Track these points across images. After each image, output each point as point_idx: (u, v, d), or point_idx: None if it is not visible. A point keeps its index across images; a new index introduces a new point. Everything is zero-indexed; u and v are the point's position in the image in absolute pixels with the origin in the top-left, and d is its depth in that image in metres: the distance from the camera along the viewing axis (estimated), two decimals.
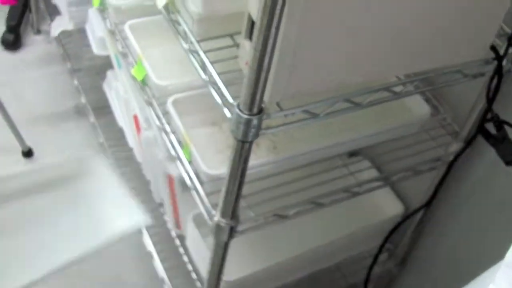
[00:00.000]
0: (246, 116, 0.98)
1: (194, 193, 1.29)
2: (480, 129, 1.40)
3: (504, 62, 1.27)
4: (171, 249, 1.83)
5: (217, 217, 1.19)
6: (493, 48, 1.25)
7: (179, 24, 1.24)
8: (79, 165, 0.81)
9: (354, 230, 1.68)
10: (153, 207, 1.93)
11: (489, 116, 1.37)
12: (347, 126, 1.39)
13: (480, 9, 1.14)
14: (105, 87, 2.17)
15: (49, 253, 0.70)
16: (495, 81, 1.31)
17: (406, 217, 1.69)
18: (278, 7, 0.87)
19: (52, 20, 2.52)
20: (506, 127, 1.34)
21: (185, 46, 1.21)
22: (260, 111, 0.99)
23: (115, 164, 2.23)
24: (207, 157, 1.29)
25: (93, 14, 2.09)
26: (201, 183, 1.28)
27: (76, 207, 0.75)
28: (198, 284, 1.66)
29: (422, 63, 1.20)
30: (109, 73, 2.12)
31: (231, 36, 1.22)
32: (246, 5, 1.05)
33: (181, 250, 1.77)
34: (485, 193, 1.54)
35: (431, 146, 1.50)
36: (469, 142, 1.46)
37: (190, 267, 1.70)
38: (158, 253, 1.93)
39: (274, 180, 1.34)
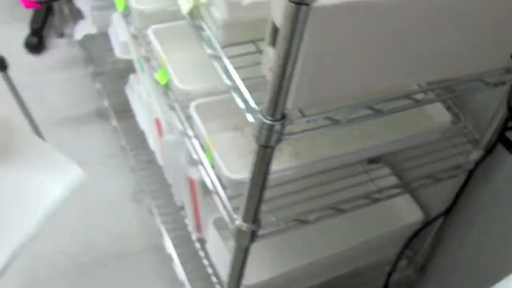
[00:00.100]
0: (269, 122, 0.99)
1: (215, 197, 1.31)
2: (500, 138, 1.41)
3: None
4: (191, 252, 1.84)
5: (238, 221, 1.20)
6: None
7: (202, 29, 1.25)
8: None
9: (374, 237, 1.68)
10: (174, 210, 1.94)
11: (509, 124, 1.37)
12: (368, 132, 1.40)
13: (501, 18, 1.14)
14: (127, 90, 2.19)
15: None
16: None
17: (426, 224, 1.69)
18: (302, 15, 0.88)
19: (75, 23, 2.55)
20: None
21: (209, 51, 1.22)
22: (283, 117, 1.00)
23: (136, 167, 2.25)
24: (229, 161, 1.30)
25: (116, 18, 2.11)
26: (223, 187, 1.29)
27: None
28: (218, 287, 1.67)
29: (443, 72, 1.21)
30: (131, 77, 2.14)
31: (254, 42, 1.23)
32: (269, 12, 1.06)
33: (201, 253, 1.78)
34: (505, 200, 1.54)
35: (452, 153, 1.51)
36: (489, 150, 1.46)
37: (210, 270, 1.71)
38: (178, 256, 1.95)
39: (295, 185, 1.35)
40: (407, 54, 1.11)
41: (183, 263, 1.91)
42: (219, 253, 1.59)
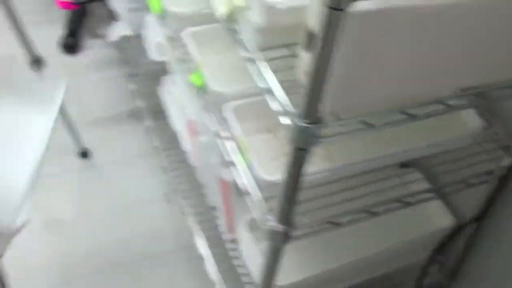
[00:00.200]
0: (305, 125, 1.00)
1: (249, 198, 1.32)
2: None
3: None
4: (223, 252, 1.86)
5: (272, 222, 1.21)
6: None
7: (238, 33, 1.27)
8: None
9: (404, 240, 1.68)
10: (206, 211, 1.96)
11: None
12: (400, 136, 1.41)
13: None
14: (161, 92, 2.21)
15: None
16: None
17: (457, 229, 1.69)
18: (337, 20, 0.89)
19: (110, 25, 2.58)
20: None
21: (244, 55, 1.24)
22: (318, 120, 1.02)
23: (168, 167, 2.28)
24: (262, 163, 1.32)
25: (151, 20, 2.13)
26: (257, 188, 1.30)
27: None
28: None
29: (476, 78, 1.21)
30: (165, 78, 2.17)
31: (288, 46, 1.24)
32: (305, 17, 1.07)
33: (233, 253, 1.79)
34: None
35: (484, 159, 1.51)
36: None
37: (242, 270, 1.72)
38: (210, 256, 1.96)
39: (327, 187, 1.36)
40: (441, 60, 1.12)
41: (214, 264, 1.93)
42: (252, 254, 1.60)
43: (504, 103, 1.47)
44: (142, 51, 2.28)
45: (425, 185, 1.70)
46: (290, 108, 1.07)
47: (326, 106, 1.02)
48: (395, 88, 1.13)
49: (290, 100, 1.08)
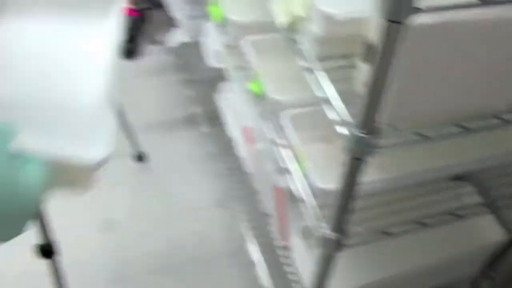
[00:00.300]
0: (362, 135, 1.02)
1: (303, 205, 1.34)
2: None
3: None
4: (274, 258, 1.88)
5: (325, 230, 1.23)
6: None
7: (297, 42, 1.29)
8: None
9: (455, 254, 1.68)
10: (259, 217, 1.98)
11: None
12: (454, 149, 1.41)
13: None
14: (217, 98, 2.24)
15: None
16: None
17: (509, 244, 1.68)
18: (396, 33, 0.90)
19: (170, 31, 2.62)
20: None
21: (303, 64, 1.26)
22: (375, 131, 1.03)
23: (223, 173, 2.30)
24: (317, 171, 1.33)
25: (210, 27, 2.17)
26: (312, 196, 1.32)
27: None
28: None
29: None
30: (222, 85, 2.20)
31: (347, 56, 1.26)
32: (364, 29, 1.09)
33: (285, 260, 1.81)
34: None
35: None
36: None
37: (293, 277, 1.74)
38: (262, 262, 1.98)
39: (379, 197, 1.37)
40: (497, 74, 1.12)
41: (265, 270, 1.95)
42: (304, 261, 1.61)
43: None
44: (200, 57, 2.31)
45: (477, 198, 1.69)
46: (347, 118, 1.08)
47: (383, 117, 1.03)
48: (450, 100, 1.14)
49: (347, 110, 1.10)
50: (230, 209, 2.26)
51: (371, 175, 1.34)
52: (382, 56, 0.94)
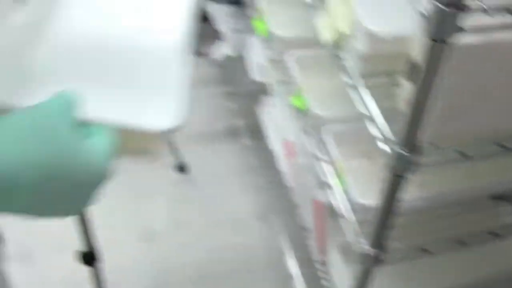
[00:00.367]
0: (404, 153, 1.03)
1: (343, 220, 1.35)
2: None
3: None
4: (312, 272, 1.88)
5: (364, 245, 1.24)
6: None
7: (341, 59, 1.31)
8: None
9: (493, 273, 1.67)
10: (298, 231, 1.99)
11: None
12: (494, 168, 1.41)
13: None
14: (260, 111, 2.26)
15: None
16: None
17: None
18: (440, 52, 0.92)
19: (214, 44, 2.65)
20: None
21: (346, 80, 1.28)
22: (417, 148, 1.04)
23: (264, 186, 2.32)
24: (358, 187, 1.34)
25: (254, 41, 2.19)
26: (352, 212, 1.33)
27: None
28: None
29: None
30: (264, 99, 2.22)
31: (391, 74, 1.27)
32: (408, 47, 1.10)
33: (323, 275, 1.81)
34: None
35: None
36: None
37: None
38: (300, 276, 1.99)
39: (419, 214, 1.38)
40: None
41: (303, 284, 1.95)
42: (342, 276, 1.62)
43: None
44: (243, 71, 2.34)
45: None
46: (389, 135, 1.10)
47: (424, 135, 1.04)
48: (492, 119, 1.14)
49: (390, 127, 1.11)
50: (269, 222, 2.27)
51: (411, 192, 1.35)
52: (426, 75, 0.95)
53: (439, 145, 1.11)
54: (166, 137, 0.76)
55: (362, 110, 1.20)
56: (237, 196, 2.44)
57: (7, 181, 0.54)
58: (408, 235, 1.33)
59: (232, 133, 2.65)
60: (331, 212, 1.51)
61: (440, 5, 0.88)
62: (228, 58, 2.58)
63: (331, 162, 1.43)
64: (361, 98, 1.21)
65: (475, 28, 0.94)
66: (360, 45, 1.24)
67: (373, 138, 1.15)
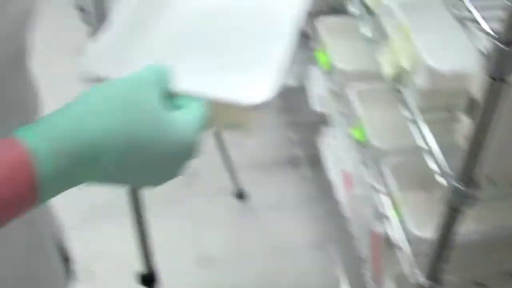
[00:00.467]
0: (460, 187, 1.05)
1: (399, 252, 1.37)
2: None
3: None
4: None
5: (420, 277, 1.25)
6: None
7: (402, 93, 1.34)
8: None
9: None
10: (354, 261, 2.01)
11: None
12: None
13: None
14: (320, 142, 2.29)
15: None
16: None
17: None
18: (499, 90, 0.94)
19: None
20: None
21: (406, 115, 1.30)
22: (474, 183, 1.06)
23: (321, 215, 2.34)
24: (415, 219, 1.36)
25: (316, 73, 2.23)
26: (408, 244, 1.35)
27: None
28: None
29: None
30: (324, 129, 2.25)
31: (450, 109, 1.29)
32: (468, 84, 1.12)
33: None
34: None
35: None
36: None
37: None
38: None
39: (474, 248, 1.39)
40: None
41: None
42: None
43: None
44: (304, 101, 2.37)
45: None
46: (447, 169, 1.12)
47: (482, 170, 1.06)
48: None
49: (448, 161, 1.13)
50: (326, 251, 2.29)
51: (468, 226, 1.36)
52: (484, 112, 0.97)
53: (496, 180, 1.13)
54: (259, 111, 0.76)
55: (421, 143, 1.22)
56: (294, 225, 2.46)
57: (94, 150, 0.57)
58: (464, 268, 1.34)
59: (292, 163, 2.68)
60: (388, 243, 1.53)
61: (499, 44, 0.91)
62: (290, 89, 2.62)
63: (389, 194, 1.45)
64: (420, 132, 1.24)
65: None
66: (420, 80, 1.27)
67: (431, 171, 1.18)
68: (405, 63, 1.30)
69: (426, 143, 1.21)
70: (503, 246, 1.42)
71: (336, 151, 2.03)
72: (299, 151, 2.61)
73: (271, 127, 2.84)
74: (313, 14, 2.04)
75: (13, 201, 0.53)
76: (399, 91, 1.35)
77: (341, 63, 1.75)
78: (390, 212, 1.43)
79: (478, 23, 0.96)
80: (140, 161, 0.60)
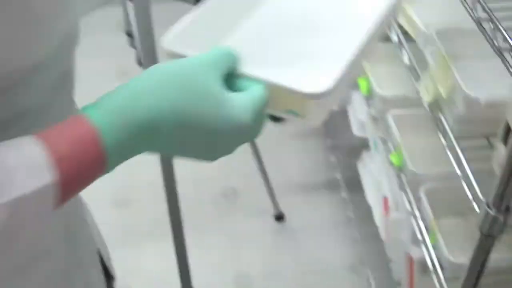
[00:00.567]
0: (493, 213, 1.07)
1: (434, 277, 1.38)
2: None
3: None
4: None
5: None
6: None
7: (440, 120, 1.36)
8: None
9: None
10: (390, 285, 2.02)
11: None
12: None
13: None
14: (359, 166, 2.31)
15: None
16: None
17: None
18: None
19: None
20: None
21: (443, 141, 1.33)
22: (507, 209, 1.08)
23: (359, 238, 2.36)
24: (450, 244, 1.38)
25: (357, 98, 2.25)
26: (442, 268, 1.37)
27: None
28: None
29: None
30: (364, 154, 2.26)
31: (487, 137, 1.31)
32: (504, 112, 1.14)
33: None
34: None
35: None
36: None
37: None
38: None
39: (507, 274, 1.40)
40: None
41: None
42: None
43: None
44: (345, 125, 2.39)
45: None
46: (481, 195, 1.14)
47: None
48: None
49: (482, 188, 1.15)
50: (361, 274, 2.30)
51: (502, 252, 1.37)
52: None
53: None
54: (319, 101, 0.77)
55: (457, 170, 1.24)
56: (331, 247, 2.47)
57: (150, 125, 0.61)
58: None
59: (331, 185, 2.69)
60: (423, 268, 1.55)
61: None
62: (332, 113, 2.64)
63: (424, 219, 1.47)
64: (456, 159, 1.26)
65: None
66: (458, 108, 1.29)
67: (466, 197, 1.19)
68: (443, 91, 1.33)
69: (461, 170, 1.22)
70: None
71: (375, 175, 2.05)
72: (338, 174, 2.63)
73: (311, 150, 2.86)
74: None
75: (86, 174, 0.59)
76: (437, 118, 1.37)
77: (380, 89, 1.78)
78: (425, 237, 1.44)
79: None
80: (193, 136, 0.64)
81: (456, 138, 1.30)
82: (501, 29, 1.06)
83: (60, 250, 0.80)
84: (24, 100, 0.66)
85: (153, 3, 1.42)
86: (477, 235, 1.13)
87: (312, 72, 0.70)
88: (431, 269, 1.40)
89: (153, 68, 0.65)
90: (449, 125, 1.32)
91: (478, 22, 1.15)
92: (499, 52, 1.08)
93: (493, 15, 1.10)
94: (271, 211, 2.53)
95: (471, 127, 1.30)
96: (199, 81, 0.64)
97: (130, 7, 1.41)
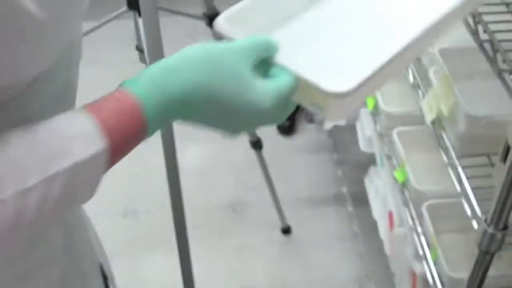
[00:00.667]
0: (491, 231, 1.09)
1: None
2: None
3: None
4: None
5: None
6: None
7: (442, 138, 1.38)
8: None
9: None
10: None
11: None
12: None
13: None
14: (366, 181, 2.33)
15: None
16: None
17: None
18: None
19: None
20: None
21: (445, 159, 1.35)
22: (505, 227, 1.10)
23: (364, 252, 2.37)
24: (450, 260, 1.40)
25: (364, 114, 2.27)
26: (442, 284, 1.38)
27: None
28: None
29: None
30: (371, 169, 2.29)
31: (488, 155, 1.33)
32: (504, 131, 1.16)
33: None
34: None
35: None
36: None
37: None
38: None
39: None
40: None
41: None
42: None
43: None
44: (352, 141, 2.42)
45: None
46: (480, 213, 1.16)
47: None
48: None
49: (481, 205, 1.17)
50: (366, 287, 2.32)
51: (500, 269, 1.39)
52: None
53: None
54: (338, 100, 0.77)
55: (458, 187, 1.26)
56: (336, 261, 2.48)
57: (183, 99, 0.67)
58: None
59: (338, 200, 2.71)
60: (425, 283, 1.57)
61: None
62: (339, 128, 2.66)
63: (426, 235, 1.49)
64: (457, 176, 1.28)
65: None
66: (459, 126, 1.31)
67: (466, 215, 1.22)
68: (445, 109, 1.35)
69: (462, 187, 1.25)
70: None
71: (380, 191, 2.07)
72: (345, 189, 2.65)
73: (318, 164, 2.88)
74: None
75: (131, 143, 0.67)
76: (439, 135, 1.39)
77: (386, 106, 1.80)
78: (426, 253, 1.46)
79: None
80: (219, 111, 0.70)
81: (457, 156, 1.32)
82: (501, 51, 1.09)
83: (59, 261, 0.83)
84: (26, 111, 0.69)
85: (162, 19, 1.45)
86: (476, 251, 1.15)
87: (341, 73, 0.73)
88: (431, 284, 1.41)
89: (189, 47, 0.71)
90: (450, 143, 1.35)
91: (480, 44, 1.17)
92: (499, 73, 1.10)
93: (494, 37, 1.13)
94: (278, 224, 2.54)
95: (472, 145, 1.32)
96: (230, 63, 0.70)
97: (140, 22, 1.43)
